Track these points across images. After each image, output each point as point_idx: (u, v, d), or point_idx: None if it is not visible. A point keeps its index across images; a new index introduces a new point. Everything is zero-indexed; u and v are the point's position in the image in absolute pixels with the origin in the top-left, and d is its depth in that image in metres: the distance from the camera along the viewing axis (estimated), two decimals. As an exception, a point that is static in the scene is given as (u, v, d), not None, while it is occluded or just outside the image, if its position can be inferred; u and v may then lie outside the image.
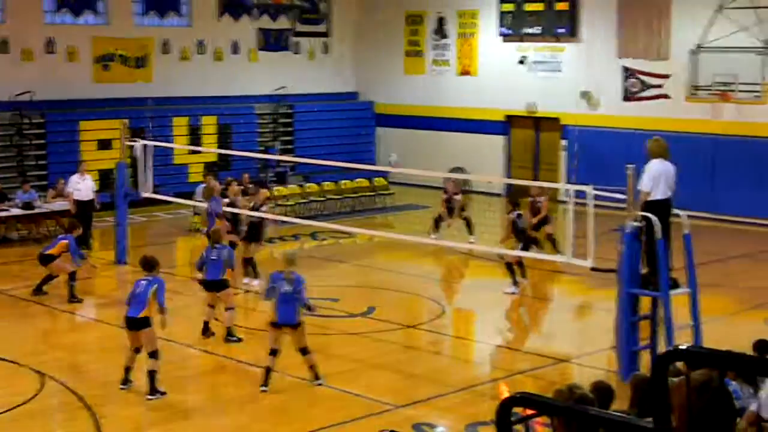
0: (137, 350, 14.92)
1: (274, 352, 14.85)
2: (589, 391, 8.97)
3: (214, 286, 17.42)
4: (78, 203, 24.93)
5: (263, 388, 14.82)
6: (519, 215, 20.78)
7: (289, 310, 14.84)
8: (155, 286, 14.87)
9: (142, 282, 15.00)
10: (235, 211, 21.98)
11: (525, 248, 20.55)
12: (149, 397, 14.56)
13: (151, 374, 14.63)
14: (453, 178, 26.56)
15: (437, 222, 25.32)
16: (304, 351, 15.04)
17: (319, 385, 15.03)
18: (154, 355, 14.71)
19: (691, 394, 3.86)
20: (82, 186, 25.08)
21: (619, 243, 15.19)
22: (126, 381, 14.96)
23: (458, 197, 25.68)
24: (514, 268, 20.71)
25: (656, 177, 15.06)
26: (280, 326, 14.88)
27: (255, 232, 21.52)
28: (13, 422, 13.75)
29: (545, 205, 23.43)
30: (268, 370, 14.87)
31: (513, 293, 20.64)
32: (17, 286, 21.38)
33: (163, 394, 14.64)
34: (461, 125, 34.23)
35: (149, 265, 15.34)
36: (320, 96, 35.82)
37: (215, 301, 17.50)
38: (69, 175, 25.90)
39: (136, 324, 14.81)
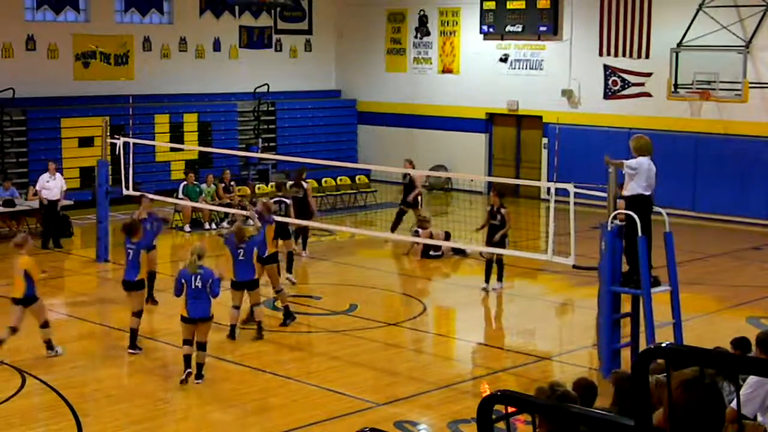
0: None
1: (189, 342, 15.14)
2: (571, 389, 8.98)
3: (246, 285, 17.14)
4: (47, 202, 24.71)
5: (184, 378, 15.02)
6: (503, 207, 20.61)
7: (202, 304, 15.05)
8: (143, 252, 16.70)
9: (131, 249, 16.61)
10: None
11: (501, 243, 20.32)
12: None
13: (134, 331, 16.47)
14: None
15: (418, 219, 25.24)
16: (202, 346, 15.13)
17: (198, 383, 15.01)
18: (138, 314, 16.47)
19: (680, 389, 3.87)
20: (52, 185, 24.80)
21: (600, 241, 15.23)
22: (134, 346, 16.45)
23: (416, 176, 25.58)
24: (493, 266, 20.66)
25: (641, 172, 15.07)
26: (194, 321, 15.03)
27: (284, 229, 20.99)
28: (-7, 420, 13.72)
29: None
30: (187, 358, 15.13)
31: (494, 290, 20.71)
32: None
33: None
34: (443, 123, 34.27)
35: (132, 230, 16.82)
36: (302, 94, 35.81)
37: (241, 301, 17.21)
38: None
39: (132, 286, 16.57)
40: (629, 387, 8.54)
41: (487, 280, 20.69)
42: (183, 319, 15.12)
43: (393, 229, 25.00)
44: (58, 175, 25.15)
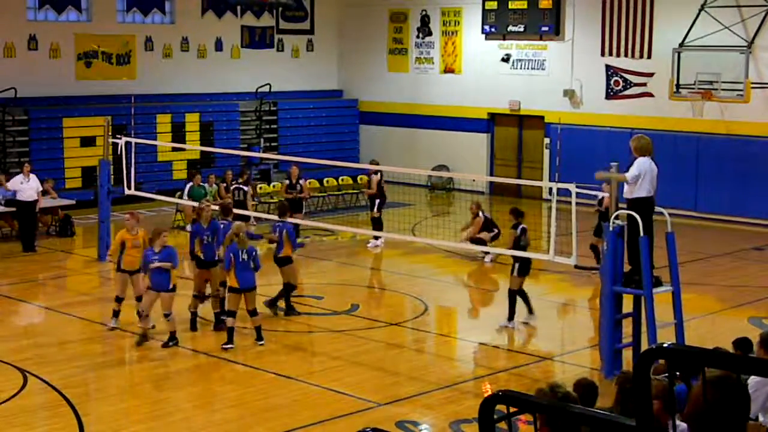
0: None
1: (233, 314, 16.73)
2: (572, 389, 8.97)
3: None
4: (22, 204, 24.41)
5: (229, 346, 16.60)
6: (524, 230, 18.28)
7: (249, 276, 16.73)
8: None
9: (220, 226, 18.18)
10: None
11: (523, 270, 18.16)
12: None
13: (222, 300, 17.61)
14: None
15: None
16: (254, 312, 16.87)
17: (261, 344, 16.83)
18: (224, 284, 17.43)
19: (707, 387, 3.87)
20: (26, 186, 24.50)
21: (602, 241, 15.23)
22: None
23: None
24: (516, 297, 18.28)
25: (642, 174, 15.06)
26: (241, 291, 16.64)
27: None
28: (-5, 420, 13.73)
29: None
30: (231, 330, 16.72)
31: (507, 327, 18.33)
32: (1, 283, 21.32)
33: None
34: (445, 123, 34.27)
35: (227, 210, 19.11)
36: (304, 93, 35.81)
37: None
38: (50, 173, 25.72)
39: (210, 265, 17.91)
40: (631, 387, 8.53)
41: (510, 317, 18.32)
42: (232, 290, 16.69)
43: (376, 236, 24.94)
44: (32, 176, 24.64)
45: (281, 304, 18.83)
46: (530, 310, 18.45)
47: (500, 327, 18.33)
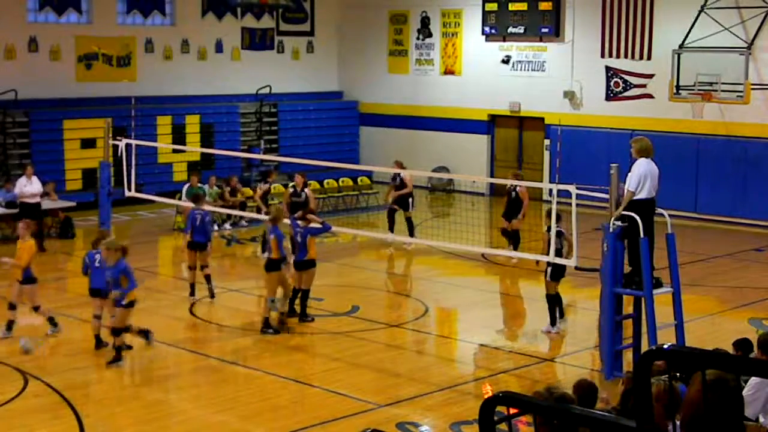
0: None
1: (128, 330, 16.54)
2: (572, 390, 8.98)
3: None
4: (25, 206, 24.40)
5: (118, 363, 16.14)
6: (559, 233, 17.22)
7: None
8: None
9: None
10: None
11: (556, 274, 17.78)
12: None
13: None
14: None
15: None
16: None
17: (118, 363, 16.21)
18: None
19: (705, 388, 3.88)
20: (30, 189, 24.55)
21: (602, 242, 15.24)
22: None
23: (407, 177, 25.60)
24: (560, 300, 18.16)
25: (643, 176, 15.06)
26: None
27: None
28: (-4, 421, 13.73)
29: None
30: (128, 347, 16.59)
31: (550, 332, 18.10)
32: (1, 284, 21.31)
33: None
34: (445, 125, 34.26)
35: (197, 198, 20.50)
36: (304, 95, 35.81)
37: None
38: (51, 175, 25.68)
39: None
40: (631, 388, 8.54)
41: (552, 323, 18.09)
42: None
43: (391, 230, 25.01)
44: (34, 178, 24.67)
45: (283, 308, 18.82)
46: (553, 322, 18.08)
47: (543, 332, 18.12)
